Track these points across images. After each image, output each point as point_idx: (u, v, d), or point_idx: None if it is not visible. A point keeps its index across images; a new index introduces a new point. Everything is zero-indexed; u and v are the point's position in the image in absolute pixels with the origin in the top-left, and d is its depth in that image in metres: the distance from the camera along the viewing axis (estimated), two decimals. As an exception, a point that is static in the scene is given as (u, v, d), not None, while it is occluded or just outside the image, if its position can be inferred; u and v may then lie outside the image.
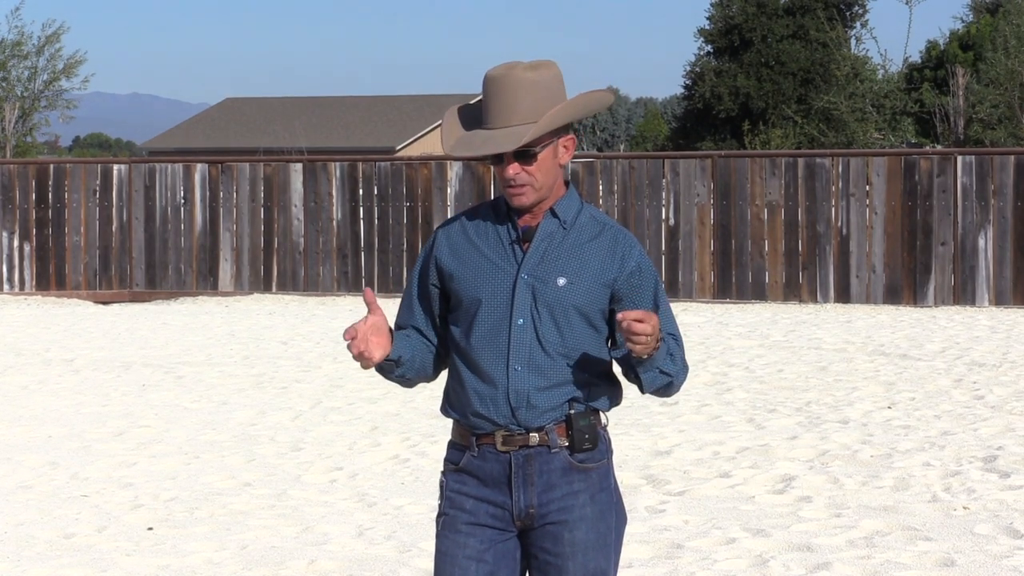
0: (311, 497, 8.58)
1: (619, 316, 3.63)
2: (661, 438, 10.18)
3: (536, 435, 3.82)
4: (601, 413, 3.91)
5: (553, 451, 3.83)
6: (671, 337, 3.85)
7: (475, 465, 3.87)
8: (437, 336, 3.97)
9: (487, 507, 3.86)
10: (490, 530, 3.86)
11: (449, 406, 3.93)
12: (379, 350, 3.77)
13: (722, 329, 17.19)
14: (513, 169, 3.78)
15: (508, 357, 3.80)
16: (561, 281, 3.81)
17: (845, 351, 14.97)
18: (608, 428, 3.95)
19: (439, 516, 3.95)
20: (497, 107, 3.78)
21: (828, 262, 20.16)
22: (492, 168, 3.84)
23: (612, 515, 3.90)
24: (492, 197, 20.88)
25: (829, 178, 20.22)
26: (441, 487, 3.96)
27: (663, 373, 3.81)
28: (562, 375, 3.81)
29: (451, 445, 3.95)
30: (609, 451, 3.92)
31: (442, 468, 3.99)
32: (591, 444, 3.84)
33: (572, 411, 3.83)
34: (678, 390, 3.91)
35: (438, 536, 3.94)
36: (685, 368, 3.87)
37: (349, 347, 3.74)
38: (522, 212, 3.85)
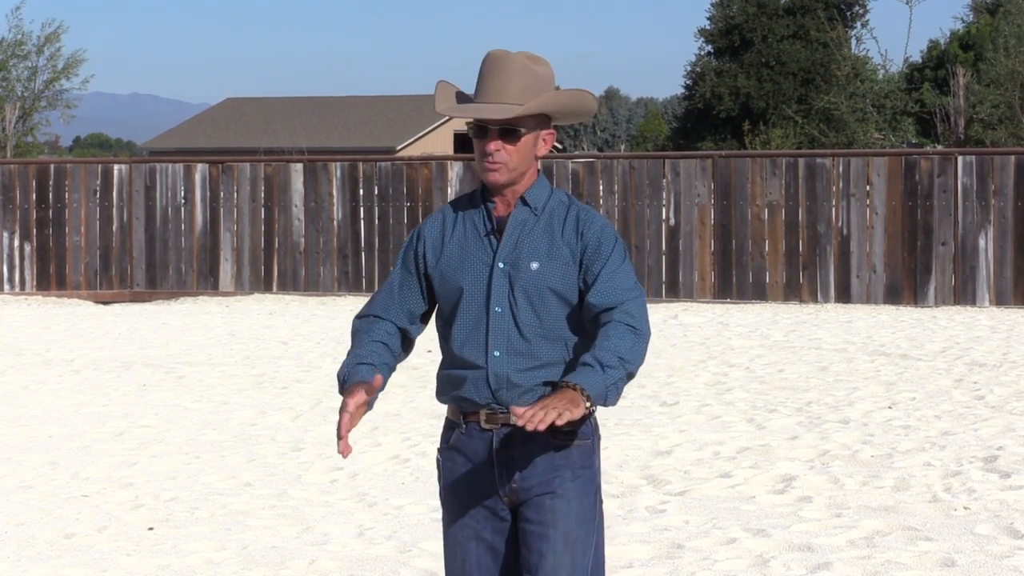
0: (311, 497, 8.58)
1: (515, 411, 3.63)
2: (661, 438, 10.18)
3: None
4: None
5: None
6: (610, 312, 3.81)
7: (463, 442, 3.98)
8: (412, 324, 4.05)
9: (477, 484, 3.95)
10: (484, 508, 3.95)
11: (439, 391, 4.04)
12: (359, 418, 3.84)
13: (722, 329, 17.19)
14: (495, 145, 3.90)
15: (487, 344, 3.89)
16: (534, 265, 3.90)
17: (845, 351, 14.97)
18: (594, 411, 3.93)
19: (440, 497, 4.07)
20: (492, 83, 3.91)
21: (828, 262, 20.16)
22: (475, 143, 3.91)
23: (594, 493, 3.96)
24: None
25: (829, 178, 20.23)
26: (437, 464, 4.07)
27: (615, 388, 3.75)
28: (542, 357, 3.89)
29: (445, 423, 4.07)
30: (594, 435, 3.98)
31: (439, 445, 4.10)
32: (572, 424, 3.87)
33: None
34: (641, 356, 3.83)
35: (442, 518, 4.06)
36: (633, 348, 3.78)
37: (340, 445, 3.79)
38: (495, 195, 3.96)
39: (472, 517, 3.95)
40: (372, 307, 4.07)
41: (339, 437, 3.77)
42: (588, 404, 3.68)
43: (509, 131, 3.89)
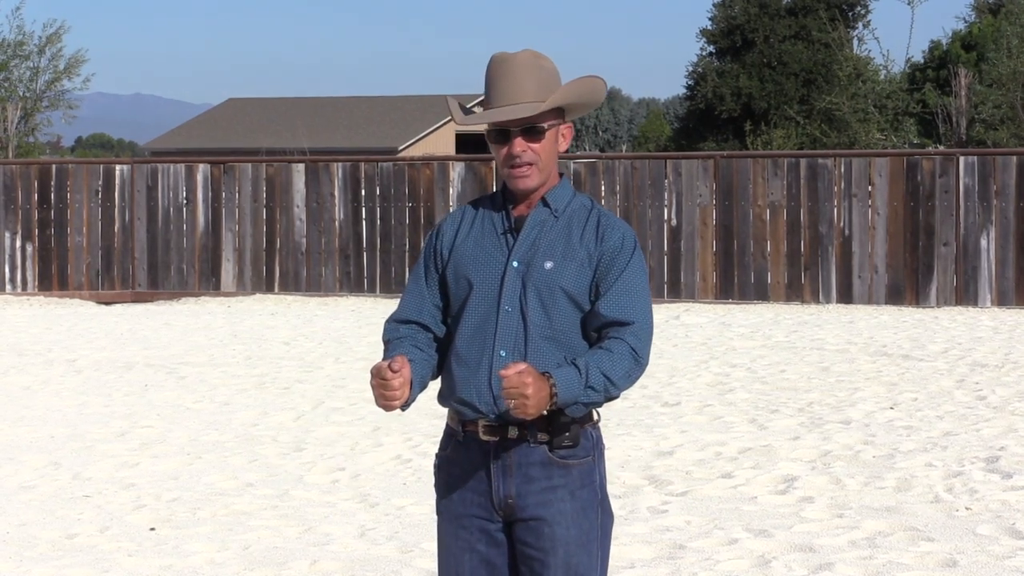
0: (313, 497, 8.59)
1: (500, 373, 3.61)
2: (663, 438, 10.18)
3: (515, 428, 3.82)
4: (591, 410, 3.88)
5: (532, 444, 3.83)
6: (620, 329, 3.79)
7: (460, 452, 3.93)
8: (442, 325, 3.97)
9: (472, 495, 3.90)
10: (478, 519, 3.90)
11: (440, 392, 3.96)
12: (402, 400, 3.78)
13: (724, 330, 17.19)
14: (520, 145, 3.82)
15: (495, 343, 3.82)
16: (548, 264, 3.83)
17: (847, 352, 14.96)
18: (599, 424, 3.92)
19: (436, 505, 4.02)
20: (504, 86, 3.83)
21: (830, 263, 20.16)
22: (495, 150, 3.84)
23: (595, 512, 3.88)
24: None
25: (831, 179, 20.23)
26: (434, 472, 4.02)
27: (585, 404, 3.76)
28: (547, 362, 3.79)
29: (445, 430, 4.01)
30: (595, 449, 3.90)
31: (437, 451, 4.04)
32: (571, 442, 3.83)
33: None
34: (632, 383, 3.83)
35: (437, 526, 4.01)
36: (627, 375, 3.78)
37: (383, 387, 3.71)
38: (518, 201, 3.89)
39: (467, 529, 3.89)
40: (404, 310, 3.97)
41: (389, 387, 3.69)
42: (549, 408, 3.67)
43: (532, 129, 3.82)
